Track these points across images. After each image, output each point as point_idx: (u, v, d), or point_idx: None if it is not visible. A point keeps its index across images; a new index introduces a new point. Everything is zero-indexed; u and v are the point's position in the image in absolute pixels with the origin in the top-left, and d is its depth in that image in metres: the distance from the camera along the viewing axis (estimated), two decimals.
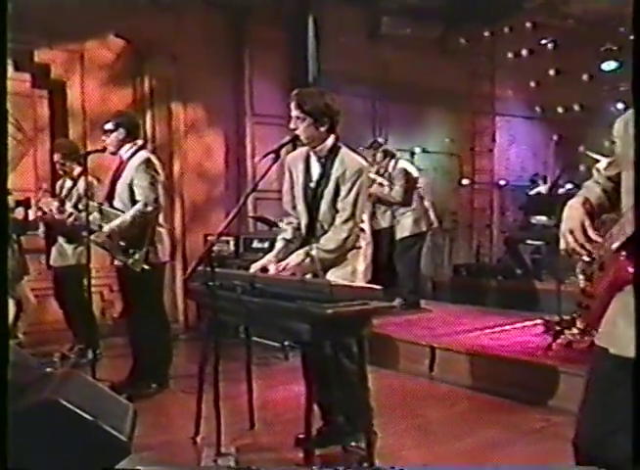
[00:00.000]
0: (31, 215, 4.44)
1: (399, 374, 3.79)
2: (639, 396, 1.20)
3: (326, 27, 5.62)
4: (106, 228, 3.26)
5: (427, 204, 5.25)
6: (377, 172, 5.14)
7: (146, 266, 3.25)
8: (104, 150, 3.34)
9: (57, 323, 4.53)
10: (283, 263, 2.41)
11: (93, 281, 4.17)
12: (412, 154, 6.61)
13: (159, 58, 5.26)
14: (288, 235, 2.62)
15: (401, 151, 5.89)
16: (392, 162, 5.24)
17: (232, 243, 4.81)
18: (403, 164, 5.27)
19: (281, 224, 4.90)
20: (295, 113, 2.41)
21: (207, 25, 5.38)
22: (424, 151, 6.71)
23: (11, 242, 4.23)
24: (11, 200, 4.27)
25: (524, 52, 6.30)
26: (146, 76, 5.27)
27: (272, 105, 5.65)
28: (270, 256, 2.57)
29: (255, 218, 5.44)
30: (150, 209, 3.24)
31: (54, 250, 4.23)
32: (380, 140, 5.54)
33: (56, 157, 4.14)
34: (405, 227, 5.14)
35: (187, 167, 5.45)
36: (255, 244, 4.64)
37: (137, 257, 3.25)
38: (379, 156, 5.23)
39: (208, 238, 5.18)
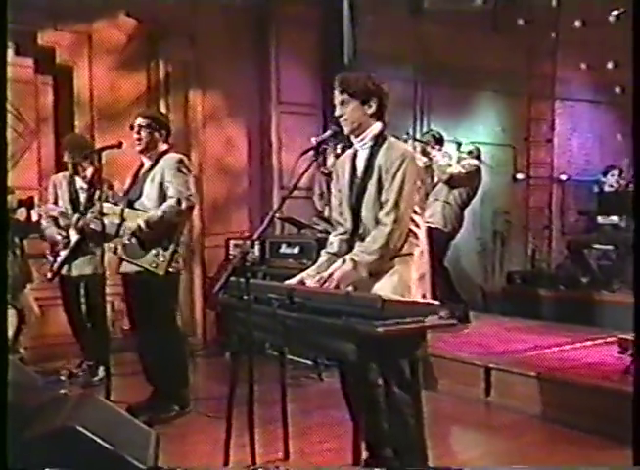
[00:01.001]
0: (34, 216, 4.52)
1: (449, 398, 3.75)
2: (639, 396, 1.15)
3: (363, 2, 5.61)
4: (133, 225, 3.30)
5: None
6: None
7: (171, 270, 3.27)
8: (120, 145, 3.37)
9: (62, 337, 4.61)
10: (325, 274, 2.39)
11: (107, 289, 4.31)
12: (458, 145, 6.55)
13: (174, 40, 5.31)
14: (333, 248, 2.59)
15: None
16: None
17: (257, 247, 4.81)
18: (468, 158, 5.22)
19: (312, 225, 5.05)
20: (339, 97, 2.44)
21: (229, 2, 5.42)
22: (471, 142, 6.63)
23: (12, 246, 4.30)
24: (12, 199, 4.35)
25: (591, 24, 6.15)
26: (160, 60, 5.33)
27: (301, 91, 5.69)
28: (311, 270, 2.55)
29: (283, 220, 5.44)
30: (184, 205, 3.31)
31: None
32: (433, 131, 5.47)
33: (65, 156, 4.21)
34: (437, 219, 5.05)
35: (206, 162, 5.50)
36: (283, 249, 4.64)
37: (162, 259, 3.27)
38: (426, 139, 5.18)
39: (231, 241, 5.24)
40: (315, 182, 5.58)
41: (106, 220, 3.83)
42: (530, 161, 7.05)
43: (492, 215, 6.68)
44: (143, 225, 3.29)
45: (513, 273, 6.27)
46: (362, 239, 2.48)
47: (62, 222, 4.18)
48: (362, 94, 2.41)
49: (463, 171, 5.01)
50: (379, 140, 2.46)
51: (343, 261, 2.39)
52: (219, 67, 5.39)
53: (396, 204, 2.38)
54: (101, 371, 4.18)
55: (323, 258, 2.60)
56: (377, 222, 2.43)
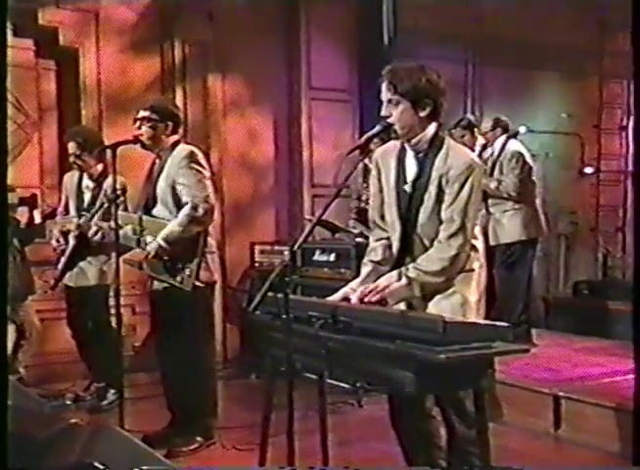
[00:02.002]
0: (37, 218, 4.59)
1: (512, 430, 3.71)
2: (639, 396, 1.13)
3: None
4: (153, 245, 3.34)
5: (537, 201, 5.12)
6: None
7: (198, 283, 3.30)
8: (136, 141, 3.42)
9: (67, 354, 4.67)
10: (370, 286, 2.39)
11: (113, 301, 4.35)
12: (515, 134, 6.47)
13: (192, 18, 5.34)
14: (377, 256, 2.59)
15: None
16: (502, 140, 5.12)
17: (286, 253, 4.79)
18: (515, 144, 5.15)
19: (348, 228, 5.04)
20: (387, 95, 2.41)
21: None
22: (530, 130, 6.54)
23: (13, 250, 4.36)
24: (12, 198, 4.41)
25: None
26: (176, 41, 5.35)
27: (335, 75, 5.69)
28: (355, 284, 2.54)
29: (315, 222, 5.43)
30: (201, 211, 3.31)
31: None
32: (470, 117, 5.44)
33: (71, 148, 4.23)
34: (510, 231, 5.03)
35: (227, 156, 5.52)
36: (317, 256, 4.65)
37: (188, 272, 3.31)
38: (486, 127, 5.13)
39: (256, 247, 5.25)
40: (350, 178, 5.55)
41: (105, 225, 3.91)
42: (601, 152, 6.95)
43: (555, 216, 6.58)
44: (163, 244, 3.31)
45: (580, 283, 6.21)
46: (411, 251, 2.47)
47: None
48: (415, 95, 2.36)
49: (502, 186, 4.96)
50: (435, 143, 2.43)
51: (398, 277, 2.38)
52: (242, 48, 5.41)
53: (463, 225, 2.37)
54: (111, 394, 4.23)
55: (367, 268, 2.59)
56: (436, 239, 2.41)
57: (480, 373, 2.14)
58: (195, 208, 3.31)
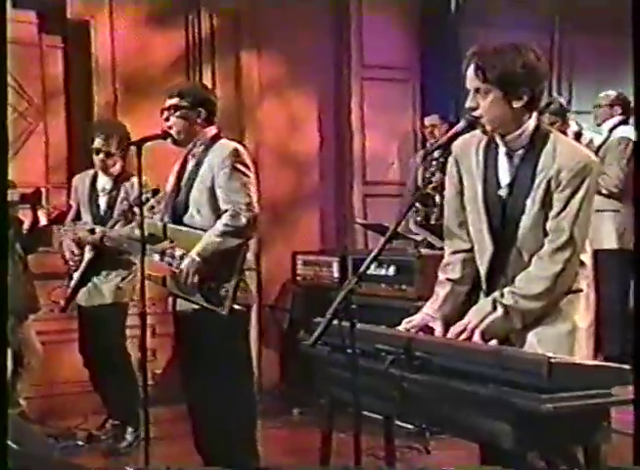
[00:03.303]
0: (43, 219, 4.59)
1: None
2: (639, 395, 1.17)
3: None
4: (187, 262, 3.32)
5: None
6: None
7: (236, 306, 3.30)
8: (166, 135, 3.41)
9: (76, 384, 4.73)
10: (458, 326, 2.36)
11: (128, 321, 4.37)
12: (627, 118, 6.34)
13: None
14: (455, 273, 2.56)
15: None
16: (611, 123, 5.04)
17: (335, 265, 4.78)
18: (626, 129, 5.06)
19: (409, 235, 4.98)
20: (473, 83, 2.36)
21: None
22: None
23: (14, 257, 4.37)
24: (13, 195, 4.42)
25: None
26: (203, 12, 5.38)
27: (391, 51, 5.67)
28: (430, 308, 2.53)
29: (367, 226, 5.41)
30: (243, 220, 3.30)
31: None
32: (561, 100, 5.33)
33: (97, 143, 4.25)
34: (605, 237, 4.92)
35: (263, 148, 5.52)
36: (373, 269, 4.58)
37: (224, 293, 3.30)
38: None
39: (298, 257, 5.22)
40: (410, 174, 5.51)
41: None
42: None
43: None
44: (198, 260, 3.30)
45: None
46: (504, 269, 2.43)
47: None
48: (508, 82, 2.31)
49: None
50: (537, 138, 2.38)
51: (493, 306, 2.35)
52: (281, 19, 5.41)
53: (572, 236, 2.32)
54: (129, 433, 4.25)
55: (444, 289, 2.56)
56: (537, 254, 2.38)
57: (594, 426, 2.07)
58: (235, 216, 3.29)
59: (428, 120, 5.46)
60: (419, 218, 5.07)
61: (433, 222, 5.03)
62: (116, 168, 4.31)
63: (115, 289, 4.26)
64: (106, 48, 5.17)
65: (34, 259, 4.62)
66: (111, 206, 4.20)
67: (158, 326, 5.03)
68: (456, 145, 2.53)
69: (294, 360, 5.04)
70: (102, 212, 4.29)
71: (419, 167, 5.31)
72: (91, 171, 4.39)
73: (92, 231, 4.14)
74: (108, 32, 5.17)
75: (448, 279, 2.55)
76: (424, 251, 4.49)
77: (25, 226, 4.58)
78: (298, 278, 5.25)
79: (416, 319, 2.51)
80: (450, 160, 2.58)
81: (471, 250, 2.53)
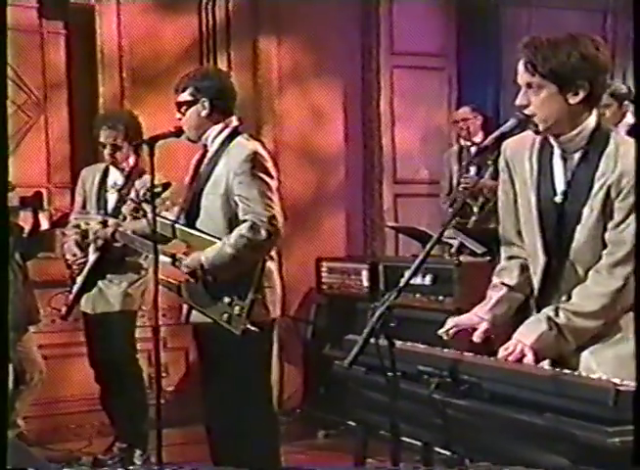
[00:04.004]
0: (44, 223, 4.60)
1: None
2: (639, 395, 1.42)
3: None
4: (192, 260, 3.32)
5: None
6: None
7: (250, 327, 3.27)
8: (180, 132, 3.40)
9: (80, 402, 4.75)
10: (509, 347, 2.33)
11: (137, 332, 4.36)
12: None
13: None
14: (512, 278, 2.55)
15: None
16: None
17: (364, 273, 4.75)
18: None
19: (446, 239, 4.93)
20: (525, 78, 2.34)
21: None
22: None
23: (13, 266, 4.39)
24: (13, 198, 4.44)
25: None
26: None
27: (424, 36, 5.65)
28: (480, 309, 2.52)
29: (398, 230, 5.39)
30: (263, 234, 3.27)
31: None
32: (620, 85, 5.26)
33: (111, 137, 4.24)
34: None
35: (283, 144, 5.51)
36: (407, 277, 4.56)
37: (237, 310, 3.28)
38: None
39: (323, 264, 5.20)
40: (445, 172, 5.48)
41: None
42: None
43: None
44: (206, 265, 3.29)
45: None
46: (558, 284, 2.41)
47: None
48: (563, 76, 2.28)
49: None
50: (597, 139, 2.35)
51: (542, 324, 2.33)
52: (302, 2, 5.40)
53: (633, 249, 2.26)
54: (137, 457, 4.26)
55: (498, 292, 2.55)
56: (595, 270, 2.35)
57: None
58: (255, 229, 3.26)
59: (457, 113, 5.42)
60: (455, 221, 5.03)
61: (470, 225, 4.99)
62: (129, 163, 4.31)
63: (123, 295, 4.25)
64: (112, 35, 5.17)
65: (35, 266, 4.64)
66: (119, 204, 4.17)
67: (169, 339, 5.05)
68: (507, 148, 2.52)
69: (317, 377, 5.04)
70: (109, 210, 4.28)
71: (454, 165, 5.28)
72: (102, 165, 4.41)
73: (104, 223, 4.10)
74: (114, 18, 5.17)
75: (503, 283, 2.56)
76: (463, 258, 4.45)
77: (26, 231, 4.59)
78: (323, 287, 5.24)
79: (462, 318, 2.52)
80: (501, 164, 2.57)
81: (526, 258, 2.53)
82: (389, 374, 2.18)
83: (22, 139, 5.10)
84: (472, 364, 2.25)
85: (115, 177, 4.34)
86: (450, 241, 4.85)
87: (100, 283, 4.28)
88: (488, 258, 4.44)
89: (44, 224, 4.64)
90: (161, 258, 3.42)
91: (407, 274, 2.27)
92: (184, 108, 3.40)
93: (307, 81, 5.58)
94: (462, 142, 5.36)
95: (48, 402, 4.83)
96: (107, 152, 4.27)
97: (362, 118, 5.73)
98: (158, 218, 3.48)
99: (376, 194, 5.68)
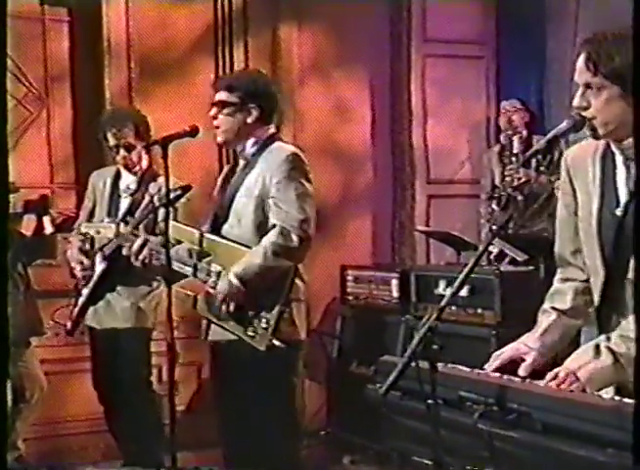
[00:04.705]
0: (49, 227, 4.61)
1: None
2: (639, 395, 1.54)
3: None
4: (223, 284, 3.33)
5: None
6: None
7: (277, 342, 3.28)
8: (195, 132, 3.41)
9: (85, 423, 4.76)
10: (560, 373, 2.28)
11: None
12: None
13: None
14: (564, 302, 2.54)
15: None
16: None
17: (394, 283, 4.73)
18: None
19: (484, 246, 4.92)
20: (584, 78, 2.31)
21: None
22: None
23: (14, 275, 4.41)
24: (15, 201, 4.46)
25: None
26: None
27: (460, 22, 5.65)
28: (529, 337, 2.49)
29: (430, 234, 5.38)
30: (295, 240, 3.31)
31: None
32: None
33: (125, 135, 4.25)
34: None
35: (304, 140, 5.43)
36: (441, 288, 4.58)
37: (264, 324, 3.30)
38: None
39: (348, 272, 5.19)
40: (485, 172, 5.47)
41: (155, 240, 3.87)
42: None
43: None
44: (237, 283, 3.31)
45: None
46: (617, 306, 2.39)
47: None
48: (627, 76, 2.23)
49: None
50: None
51: (596, 351, 2.29)
52: None
53: None
54: None
55: (549, 317, 2.53)
56: None
57: None
58: (286, 235, 3.30)
59: (506, 105, 5.40)
60: (494, 226, 5.02)
61: (511, 231, 4.98)
62: (142, 166, 4.32)
63: (135, 310, 4.25)
64: (119, 22, 5.19)
65: (35, 275, 4.65)
66: (133, 210, 4.16)
67: (182, 354, 5.04)
68: (569, 155, 2.53)
69: (343, 397, 5.03)
70: (121, 217, 4.25)
71: (496, 164, 5.27)
72: (113, 168, 4.42)
73: (120, 234, 4.06)
74: (122, 4, 5.18)
75: (554, 308, 2.54)
76: (503, 267, 4.44)
77: (28, 235, 4.62)
78: (348, 298, 5.24)
79: (508, 349, 2.47)
80: (562, 173, 2.57)
81: (587, 280, 2.51)
82: (430, 401, 2.17)
83: (23, 136, 5.13)
84: (521, 391, 2.22)
85: (128, 181, 4.36)
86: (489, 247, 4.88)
87: (108, 295, 4.29)
88: (532, 267, 4.43)
89: (48, 228, 4.64)
90: (186, 270, 3.44)
91: (449, 291, 2.27)
92: (226, 110, 3.44)
93: (331, 72, 5.59)
94: (502, 140, 5.34)
95: (50, 422, 4.85)
96: (121, 154, 4.27)
97: (391, 113, 5.75)
98: (181, 226, 3.55)
99: (407, 195, 5.68)
